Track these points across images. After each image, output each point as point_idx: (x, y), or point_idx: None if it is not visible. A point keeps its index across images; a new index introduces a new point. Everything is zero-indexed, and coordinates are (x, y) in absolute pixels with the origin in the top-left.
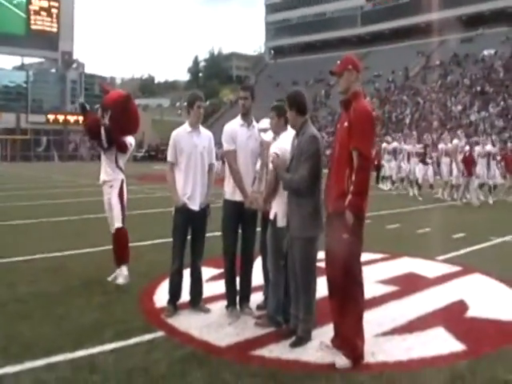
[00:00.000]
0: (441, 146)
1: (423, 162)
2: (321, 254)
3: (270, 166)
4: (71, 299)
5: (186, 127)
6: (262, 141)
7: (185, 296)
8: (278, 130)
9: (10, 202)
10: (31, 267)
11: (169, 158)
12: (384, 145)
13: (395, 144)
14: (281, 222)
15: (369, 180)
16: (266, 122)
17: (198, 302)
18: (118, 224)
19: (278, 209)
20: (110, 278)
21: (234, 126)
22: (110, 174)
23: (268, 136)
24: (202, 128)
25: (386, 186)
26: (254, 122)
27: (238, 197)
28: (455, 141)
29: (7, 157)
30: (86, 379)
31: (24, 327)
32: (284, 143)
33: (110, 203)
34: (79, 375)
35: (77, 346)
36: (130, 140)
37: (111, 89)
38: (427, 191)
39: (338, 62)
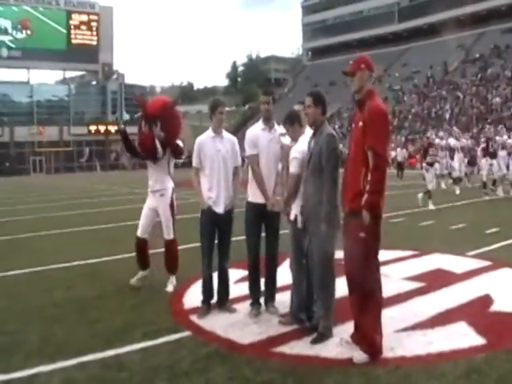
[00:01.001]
0: (497, 138)
1: (490, 155)
2: (340, 253)
3: (291, 169)
4: (104, 303)
5: (209, 133)
6: (282, 144)
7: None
8: (295, 137)
9: (51, 213)
10: (68, 273)
11: (194, 164)
12: (437, 141)
13: (451, 140)
14: (301, 223)
15: (385, 179)
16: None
17: (224, 302)
18: (171, 235)
19: (297, 210)
20: (134, 282)
21: (256, 131)
22: (162, 182)
23: (288, 140)
24: (225, 133)
25: (444, 185)
26: (276, 126)
27: (261, 199)
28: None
29: (51, 169)
30: (113, 377)
31: (58, 330)
32: (303, 146)
33: (159, 213)
34: (107, 373)
35: (107, 347)
36: (180, 142)
37: (146, 99)
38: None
39: (351, 62)
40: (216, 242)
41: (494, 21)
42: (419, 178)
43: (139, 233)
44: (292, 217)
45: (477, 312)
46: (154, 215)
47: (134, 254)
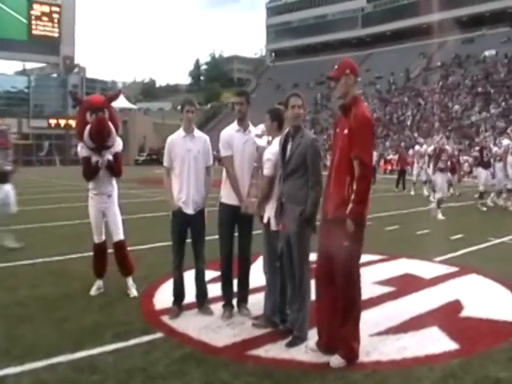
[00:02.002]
0: (495, 149)
1: (482, 165)
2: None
3: (265, 171)
4: (72, 302)
5: (180, 132)
6: (257, 146)
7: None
8: (271, 134)
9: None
10: (33, 271)
11: (164, 163)
12: (417, 148)
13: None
14: (274, 226)
15: (369, 188)
16: (259, 128)
17: (202, 303)
18: (122, 236)
19: (271, 213)
20: (93, 292)
21: (231, 132)
22: (108, 182)
23: (263, 141)
24: (197, 132)
25: (426, 191)
26: (251, 127)
27: (234, 200)
28: (505, 141)
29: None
30: (86, 379)
31: (25, 329)
32: (277, 147)
33: (107, 213)
34: (80, 375)
35: (77, 348)
36: (119, 141)
37: (81, 96)
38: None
39: (336, 66)
40: (190, 242)
41: (455, 31)
42: (389, 183)
43: (96, 239)
44: (265, 219)
45: (448, 317)
46: (103, 217)
47: None
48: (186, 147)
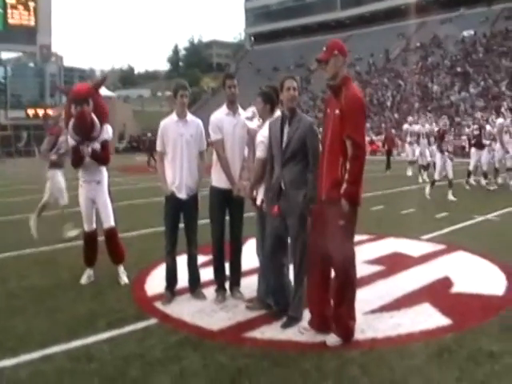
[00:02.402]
0: (488, 128)
1: (479, 146)
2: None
3: (258, 153)
4: (63, 292)
5: (173, 117)
6: (248, 129)
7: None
8: (263, 116)
9: None
10: (21, 262)
11: (158, 148)
12: (406, 126)
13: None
14: (266, 209)
15: (363, 168)
16: (249, 111)
17: (195, 288)
18: (112, 223)
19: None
20: (83, 281)
21: (220, 115)
22: (97, 169)
23: (253, 124)
24: (190, 116)
25: (409, 172)
26: (240, 110)
27: (225, 184)
28: (500, 120)
29: None
30: (83, 368)
31: (17, 321)
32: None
33: (96, 200)
34: (77, 365)
35: (71, 337)
36: (109, 129)
37: (66, 87)
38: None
39: (324, 48)
40: (182, 227)
41: (433, 11)
42: (372, 164)
43: (86, 227)
44: (259, 202)
45: (439, 294)
46: (93, 204)
47: None
48: (178, 131)
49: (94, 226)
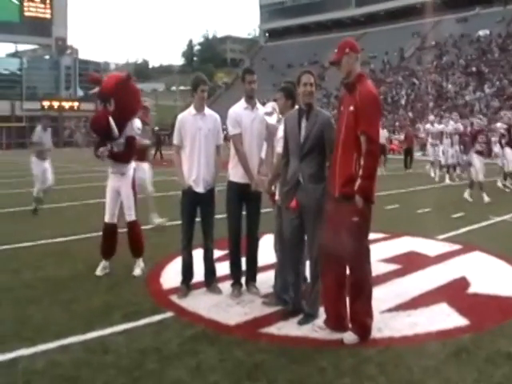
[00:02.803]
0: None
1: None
2: None
3: (278, 149)
4: (78, 283)
5: (190, 110)
6: (267, 124)
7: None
8: (284, 111)
9: (6, 190)
10: (35, 253)
11: (174, 141)
12: (427, 126)
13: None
14: (282, 203)
15: (377, 164)
16: (269, 106)
17: (211, 282)
18: (133, 216)
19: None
20: (98, 272)
21: (238, 110)
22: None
23: (273, 119)
24: (207, 110)
25: (432, 173)
26: (258, 105)
27: (242, 178)
28: None
29: (3, 145)
30: (99, 360)
31: (34, 311)
32: None
33: (121, 192)
34: (93, 356)
35: (87, 328)
36: (137, 124)
37: (100, 76)
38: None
39: (335, 50)
40: (199, 221)
41: (449, 10)
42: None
43: (107, 218)
44: (277, 197)
45: (456, 294)
46: (118, 196)
47: (100, 233)
48: (196, 125)
49: (115, 220)
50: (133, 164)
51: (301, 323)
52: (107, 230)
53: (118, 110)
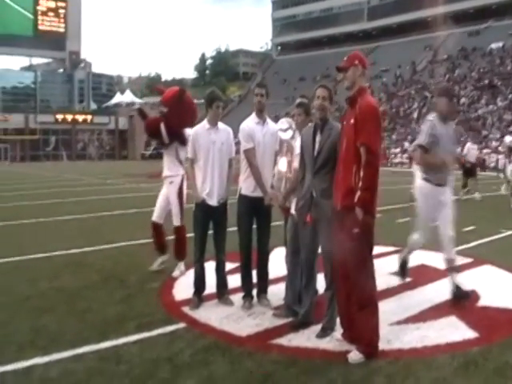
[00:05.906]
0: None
1: None
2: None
3: (294, 164)
4: (92, 293)
5: (204, 124)
6: (282, 139)
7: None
8: (303, 127)
9: (22, 202)
10: (51, 263)
11: (188, 155)
12: (508, 138)
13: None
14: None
15: (377, 175)
16: (285, 122)
17: (222, 294)
18: (177, 222)
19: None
20: (154, 267)
21: (251, 124)
22: (171, 168)
23: (287, 135)
24: (220, 124)
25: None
26: (268, 119)
27: (253, 192)
28: None
29: (17, 157)
30: (113, 369)
31: (48, 320)
32: None
33: (169, 200)
34: (107, 365)
35: (101, 338)
36: (189, 132)
37: (165, 88)
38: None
39: (345, 58)
40: (211, 233)
41: (461, 23)
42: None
43: (153, 217)
44: (293, 210)
45: (465, 307)
46: (167, 202)
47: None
48: (210, 139)
49: (161, 221)
50: (182, 172)
51: (319, 336)
52: (153, 228)
53: (169, 118)
